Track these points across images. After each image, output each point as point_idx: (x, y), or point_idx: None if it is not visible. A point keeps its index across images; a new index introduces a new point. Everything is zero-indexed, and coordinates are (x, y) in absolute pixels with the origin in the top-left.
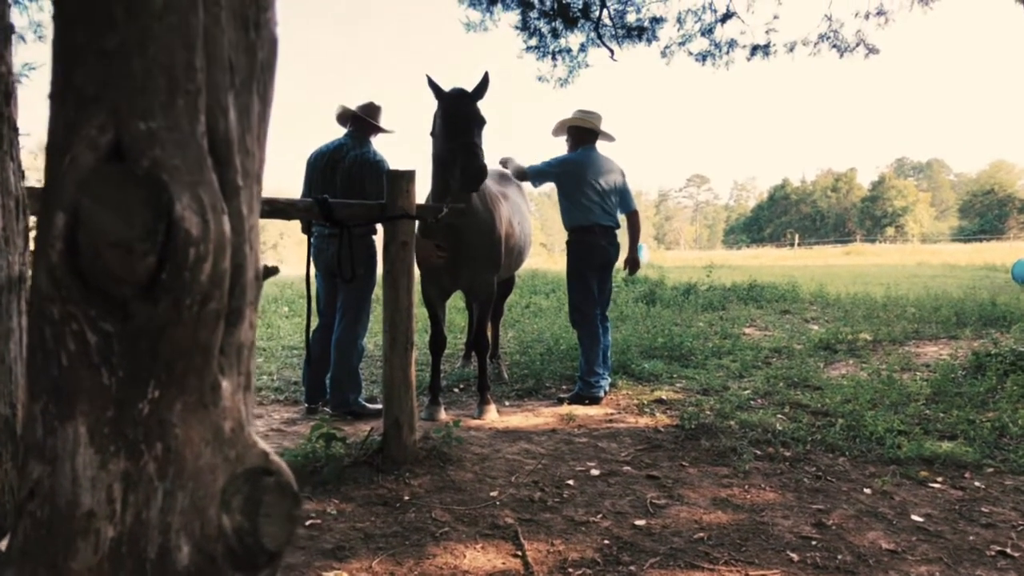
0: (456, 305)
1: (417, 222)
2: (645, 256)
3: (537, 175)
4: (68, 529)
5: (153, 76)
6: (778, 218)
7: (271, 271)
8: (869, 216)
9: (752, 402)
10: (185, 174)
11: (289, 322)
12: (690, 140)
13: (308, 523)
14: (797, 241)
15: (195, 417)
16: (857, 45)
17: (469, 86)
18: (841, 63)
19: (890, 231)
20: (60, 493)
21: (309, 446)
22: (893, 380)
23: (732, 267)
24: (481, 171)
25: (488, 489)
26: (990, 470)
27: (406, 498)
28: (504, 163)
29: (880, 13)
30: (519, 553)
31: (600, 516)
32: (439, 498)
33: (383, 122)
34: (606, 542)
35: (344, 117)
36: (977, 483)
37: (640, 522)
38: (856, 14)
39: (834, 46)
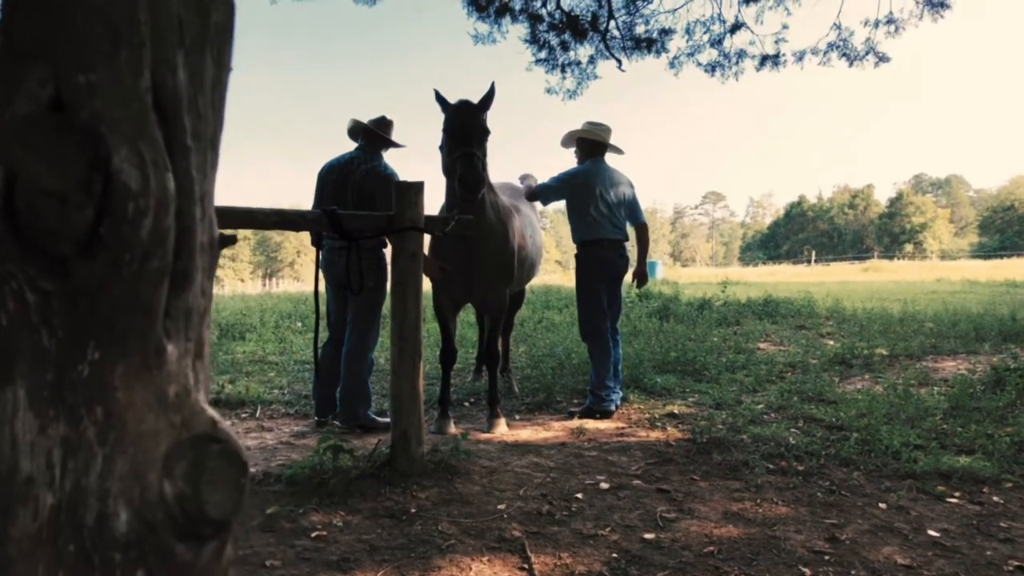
0: (468, 320)
1: (430, 235)
2: (660, 273)
3: (546, 192)
4: (7, 495)
5: (95, 28)
6: (795, 235)
7: (229, 240)
8: (887, 233)
9: (765, 416)
10: (126, 127)
11: (302, 337)
12: (705, 157)
13: (314, 535)
14: (814, 258)
15: (138, 381)
16: (867, 53)
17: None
18: (857, 79)
19: (909, 248)
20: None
21: (316, 458)
22: (910, 394)
23: (748, 283)
24: (478, 181)
25: (496, 502)
26: (1009, 485)
27: (413, 510)
28: (523, 179)
29: (890, 21)
30: (525, 566)
31: (609, 529)
32: (446, 511)
33: (395, 136)
34: (614, 555)
35: (356, 131)
36: (996, 498)
37: (649, 535)
38: (865, 22)
39: (844, 55)
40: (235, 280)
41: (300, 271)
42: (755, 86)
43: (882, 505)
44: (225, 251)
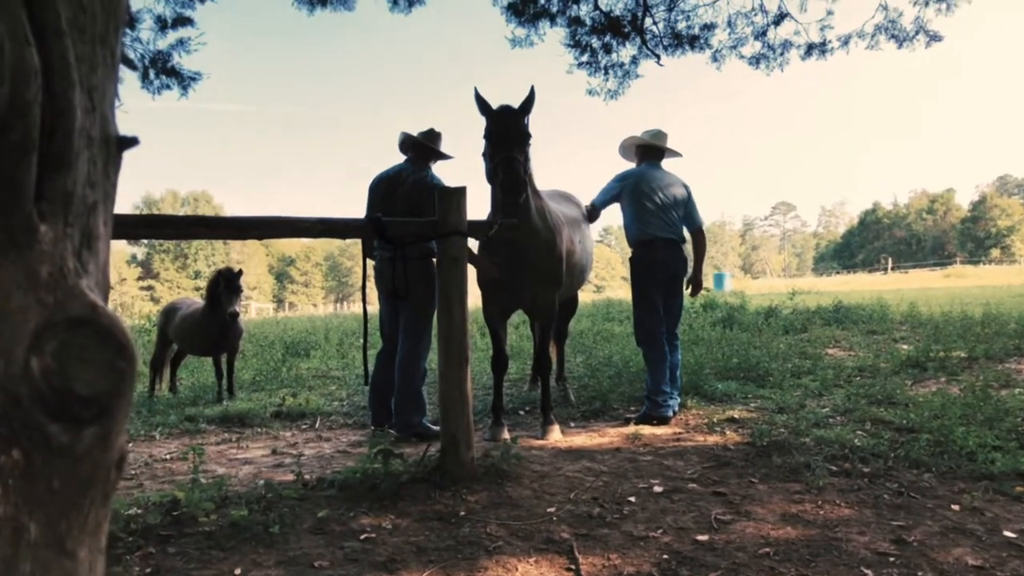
0: (524, 333)
1: (478, 240)
2: (728, 285)
3: (601, 200)
4: None
5: None
6: (870, 243)
7: (129, 141)
8: (971, 238)
9: (830, 419)
10: None
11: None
12: (773, 167)
13: (363, 537)
14: (891, 265)
15: (4, 257)
16: (917, 33)
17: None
18: (930, 80)
19: (995, 252)
20: None
21: (368, 463)
22: (988, 395)
23: (819, 292)
24: (519, 184)
25: (546, 505)
26: None
27: (462, 513)
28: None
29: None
30: (572, 567)
31: (660, 531)
32: (495, 513)
33: (443, 147)
34: (665, 556)
35: (406, 144)
36: None
37: (702, 537)
38: (914, 2)
39: (892, 36)
40: (308, 304)
41: (370, 295)
42: (819, 94)
43: (954, 507)
44: (297, 276)
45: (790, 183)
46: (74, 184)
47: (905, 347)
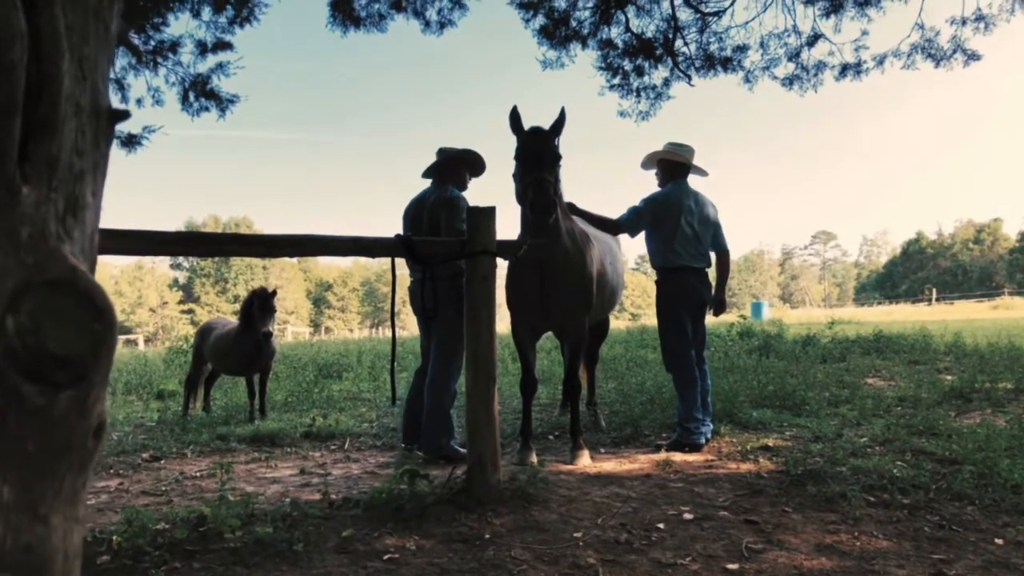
0: (557, 358)
1: (507, 261)
2: (766, 314)
3: (629, 222)
4: None
5: None
6: (914, 274)
7: (121, 114)
8: (1019, 268)
9: (868, 449)
10: None
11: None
12: (812, 195)
13: (386, 557)
14: (935, 296)
15: None
16: (954, 52)
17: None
18: (970, 108)
19: None
20: None
21: (393, 484)
22: None
23: (860, 323)
24: (549, 205)
25: (572, 530)
26: None
27: (487, 536)
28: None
29: (979, 18)
30: None
31: (689, 559)
32: (520, 537)
33: (476, 169)
34: None
35: (429, 170)
36: None
37: (732, 566)
38: (951, 21)
39: (929, 55)
40: (344, 329)
41: (406, 320)
42: (859, 120)
43: (998, 540)
44: (334, 301)
45: (830, 212)
46: (59, 150)
47: (949, 377)
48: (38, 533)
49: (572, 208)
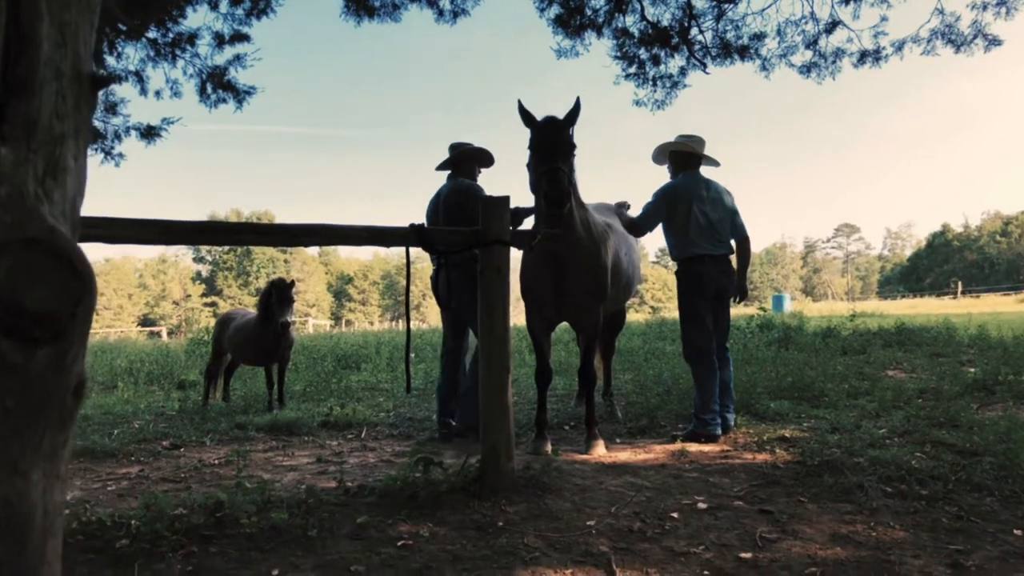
0: (574, 349)
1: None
2: (787, 307)
3: (645, 220)
4: None
5: None
6: (939, 267)
7: (104, 80)
8: None
9: (887, 440)
10: None
11: (413, 367)
12: (835, 187)
13: (399, 544)
14: (960, 289)
15: None
16: (975, 37)
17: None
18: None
19: None
20: None
21: (408, 472)
22: None
23: (883, 315)
24: (563, 195)
25: (586, 518)
26: None
27: (500, 524)
28: (619, 207)
29: (1000, 3)
30: None
31: (702, 548)
32: (533, 525)
33: (486, 160)
34: (706, 573)
35: (444, 166)
36: None
37: (746, 555)
38: (972, 6)
39: (949, 41)
40: (365, 322)
41: (425, 312)
42: (881, 112)
43: (1017, 532)
44: (355, 294)
45: (853, 204)
46: (39, 113)
47: (972, 370)
48: (17, 487)
49: (621, 207)
